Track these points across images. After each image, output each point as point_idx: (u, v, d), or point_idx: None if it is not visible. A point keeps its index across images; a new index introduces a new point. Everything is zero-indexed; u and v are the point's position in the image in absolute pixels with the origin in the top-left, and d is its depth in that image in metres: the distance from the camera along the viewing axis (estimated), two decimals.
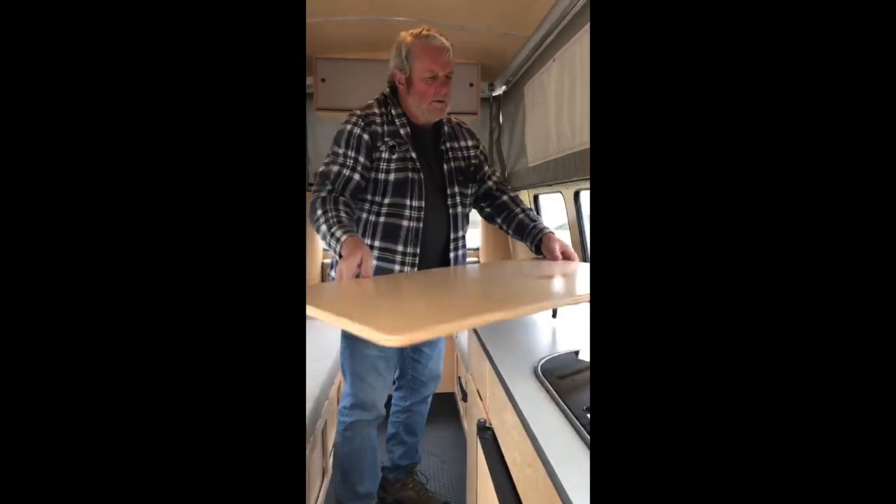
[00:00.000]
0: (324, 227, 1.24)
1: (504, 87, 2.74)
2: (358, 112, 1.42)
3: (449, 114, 1.55)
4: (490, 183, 1.56)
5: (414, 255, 1.40)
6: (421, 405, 1.74)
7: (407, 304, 0.92)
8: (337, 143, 1.37)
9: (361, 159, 1.38)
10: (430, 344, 1.64)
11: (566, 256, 1.34)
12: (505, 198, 1.54)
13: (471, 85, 2.56)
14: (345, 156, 1.36)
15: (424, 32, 1.38)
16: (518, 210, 1.49)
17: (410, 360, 1.67)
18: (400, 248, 1.40)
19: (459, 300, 0.98)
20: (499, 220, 1.53)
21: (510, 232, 1.50)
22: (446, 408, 2.57)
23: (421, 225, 1.40)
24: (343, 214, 1.26)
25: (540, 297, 0.91)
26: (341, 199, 1.30)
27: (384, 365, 1.50)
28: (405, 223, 1.40)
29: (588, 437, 0.67)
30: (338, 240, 1.19)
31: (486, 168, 1.58)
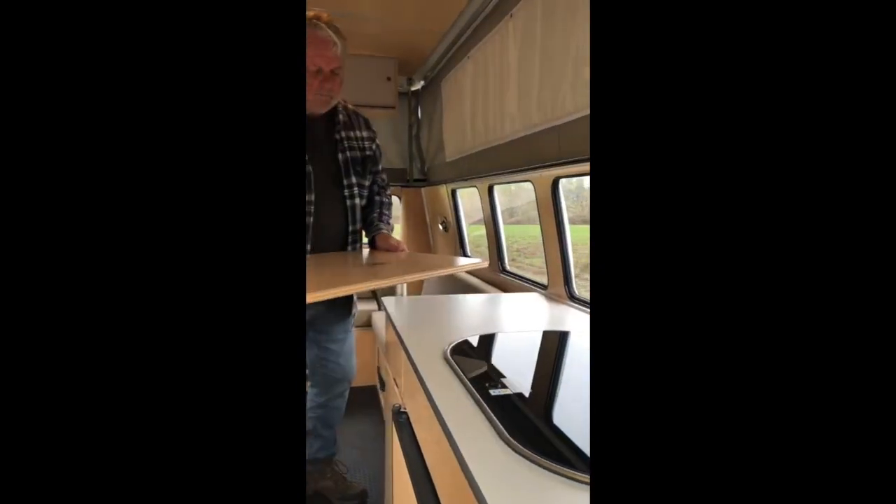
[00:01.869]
0: None
1: (422, 83, 2.78)
2: None
3: (356, 104, 1.56)
4: (375, 186, 1.60)
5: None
6: (336, 400, 1.73)
7: None
8: None
9: None
10: (338, 342, 1.64)
11: (394, 248, 1.47)
12: (376, 198, 1.59)
13: (388, 79, 2.57)
14: None
15: (314, 20, 1.32)
16: (377, 210, 1.57)
17: (319, 359, 1.66)
18: None
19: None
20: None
21: (364, 228, 1.58)
22: (367, 400, 2.59)
23: (310, 220, 1.39)
24: None
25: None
26: None
27: None
28: None
29: (488, 410, 0.72)
30: None
31: (380, 166, 1.60)
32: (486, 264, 1.43)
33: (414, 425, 1.03)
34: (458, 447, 0.64)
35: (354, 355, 1.73)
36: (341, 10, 1.97)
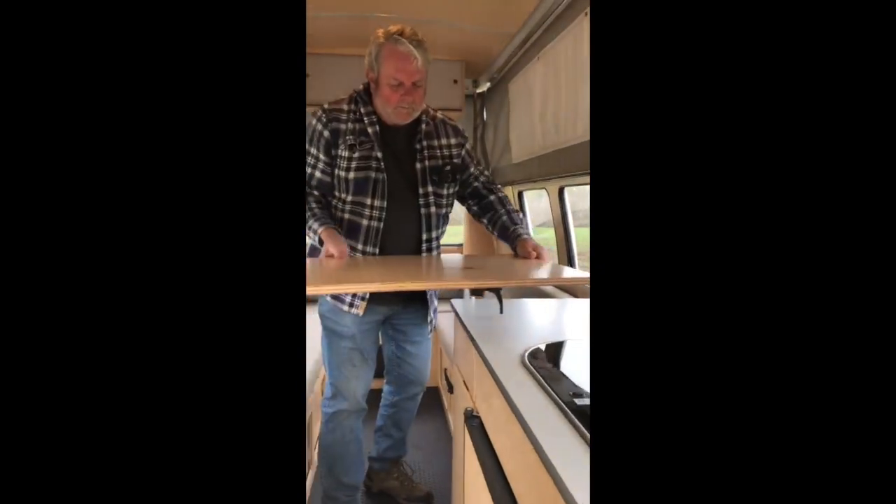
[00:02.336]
0: None
1: (488, 84, 2.77)
2: (325, 106, 1.43)
3: (435, 109, 1.56)
4: (477, 184, 1.57)
5: (373, 254, 1.43)
6: (408, 402, 1.75)
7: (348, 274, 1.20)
8: None
9: (321, 156, 1.42)
10: (415, 344, 1.66)
11: (538, 256, 1.40)
12: (492, 198, 1.55)
13: (455, 82, 2.59)
14: (307, 152, 1.42)
15: (396, 34, 1.34)
16: (503, 212, 1.52)
17: (395, 357, 1.69)
18: (360, 245, 1.43)
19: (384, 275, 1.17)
20: (485, 221, 1.56)
21: (495, 233, 1.53)
22: (431, 402, 2.60)
23: (381, 225, 1.42)
24: (315, 206, 1.39)
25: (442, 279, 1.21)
26: (309, 193, 1.43)
27: (359, 358, 1.52)
28: (365, 222, 1.42)
29: (576, 420, 0.70)
30: (315, 231, 1.35)
31: (473, 168, 1.57)
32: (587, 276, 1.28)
33: (488, 429, 1.02)
34: (547, 456, 0.62)
35: (430, 362, 1.74)
36: (410, 15, 2.00)
